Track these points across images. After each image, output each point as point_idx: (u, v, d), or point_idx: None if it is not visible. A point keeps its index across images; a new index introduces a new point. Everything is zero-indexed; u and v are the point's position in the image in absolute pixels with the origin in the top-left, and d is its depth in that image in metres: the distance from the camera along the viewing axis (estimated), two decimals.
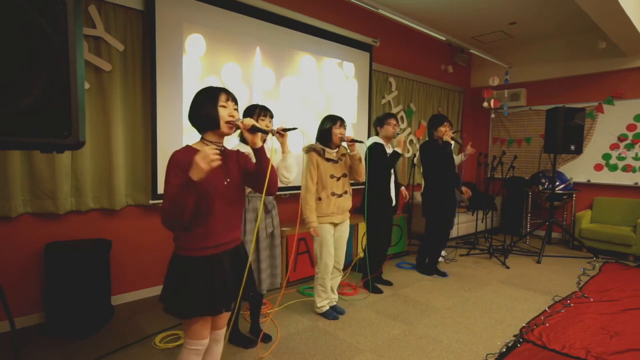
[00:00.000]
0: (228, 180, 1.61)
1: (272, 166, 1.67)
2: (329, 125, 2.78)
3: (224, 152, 1.64)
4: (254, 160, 1.68)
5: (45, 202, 2.72)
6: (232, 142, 2.32)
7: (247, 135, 1.58)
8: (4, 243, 2.62)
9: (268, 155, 1.66)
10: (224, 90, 1.59)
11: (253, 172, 1.66)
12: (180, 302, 1.53)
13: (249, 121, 1.57)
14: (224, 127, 1.57)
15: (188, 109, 1.64)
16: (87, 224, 2.96)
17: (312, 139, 3.05)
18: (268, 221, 2.38)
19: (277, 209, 2.52)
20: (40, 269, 2.74)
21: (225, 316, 1.75)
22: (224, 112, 1.57)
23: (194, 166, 1.37)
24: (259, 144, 1.60)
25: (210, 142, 1.60)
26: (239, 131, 2.40)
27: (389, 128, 3.32)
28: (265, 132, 1.59)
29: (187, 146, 1.59)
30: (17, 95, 1.00)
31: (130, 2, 2.95)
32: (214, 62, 3.38)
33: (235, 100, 1.63)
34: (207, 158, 1.36)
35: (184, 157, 1.50)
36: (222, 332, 1.77)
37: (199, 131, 1.63)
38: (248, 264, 1.67)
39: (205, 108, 1.56)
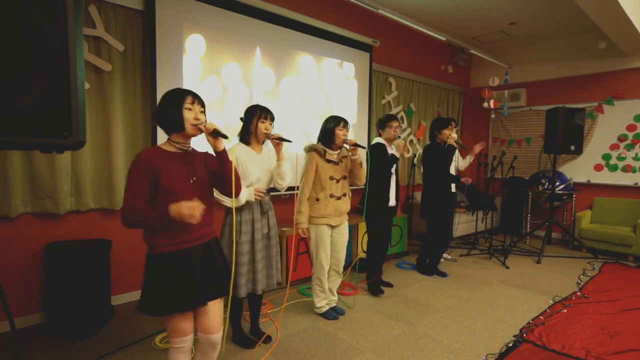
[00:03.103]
0: (194, 178, 1.63)
1: (235, 170, 1.70)
2: (332, 125, 2.76)
3: (190, 153, 1.67)
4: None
5: (45, 202, 2.72)
6: (233, 141, 2.31)
7: (209, 139, 1.60)
8: (4, 243, 2.62)
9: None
10: (190, 93, 1.61)
11: (217, 173, 1.70)
12: (153, 299, 1.54)
13: (211, 125, 1.59)
14: (189, 130, 1.59)
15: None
16: (87, 224, 2.96)
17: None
18: (264, 222, 2.36)
19: (274, 210, 2.51)
20: (40, 269, 2.74)
21: (216, 318, 1.71)
22: (189, 114, 1.58)
23: (177, 210, 1.46)
24: (221, 147, 1.62)
25: (177, 142, 1.62)
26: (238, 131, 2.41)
27: (391, 131, 3.32)
28: (226, 137, 1.59)
29: (156, 146, 1.62)
30: (17, 95, 1.00)
31: (130, 2, 2.95)
32: (214, 62, 3.38)
33: (202, 103, 1.64)
34: (190, 216, 1.46)
35: (152, 158, 1.53)
36: (216, 337, 1.71)
37: (166, 132, 1.64)
38: (234, 263, 1.68)
39: (171, 110, 1.58)
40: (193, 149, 1.70)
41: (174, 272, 1.56)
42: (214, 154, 1.67)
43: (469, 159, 4.12)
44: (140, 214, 1.48)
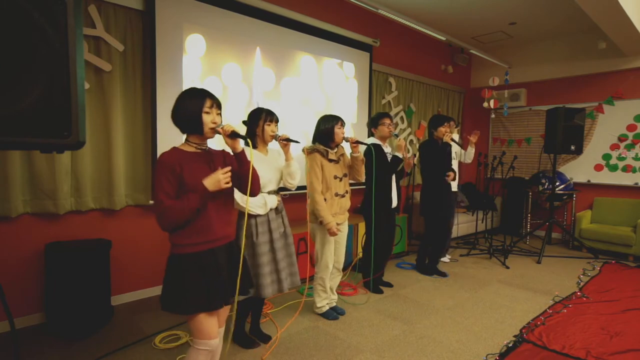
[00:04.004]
0: None
1: (254, 168, 1.72)
2: (331, 125, 2.77)
3: (209, 152, 1.68)
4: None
5: (45, 202, 2.72)
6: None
7: (227, 141, 1.62)
8: (4, 243, 2.62)
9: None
10: (209, 96, 1.61)
11: (236, 173, 1.71)
12: (178, 298, 1.55)
13: (229, 127, 1.61)
14: (207, 133, 1.61)
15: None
16: (87, 224, 2.96)
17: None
18: (279, 221, 2.40)
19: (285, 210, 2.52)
20: (40, 269, 2.73)
21: (223, 314, 1.77)
22: (208, 118, 1.59)
23: (215, 182, 1.54)
24: (239, 148, 1.65)
25: (195, 143, 1.64)
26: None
27: (384, 128, 3.30)
28: (244, 138, 1.62)
29: (174, 148, 1.62)
30: (17, 95, 0.99)
31: (130, 2, 2.95)
32: (214, 62, 3.38)
33: (219, 106, 1.65)
34: (220, 182, 1.54)
35: (173, 160, 1.54)
36: (220, 331, 1.77)
37: (183, 132, 1.66)
38: (241, 260, 1.69)
39: (190, 112, 1.58)
40: (210, 148, 1.72)
41: (199, 273, 1.57)
42: (232, 154, 1.70)
43: (470, 150, 4.13)
44: (175, 209, 1.50)
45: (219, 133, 1.62)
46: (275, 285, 2.33)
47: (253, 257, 2.27)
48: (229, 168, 1.56)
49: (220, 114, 1.65)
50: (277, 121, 2.36)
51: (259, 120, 2.31)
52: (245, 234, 2.24)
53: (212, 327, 1.62)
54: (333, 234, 2.73)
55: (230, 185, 1.56)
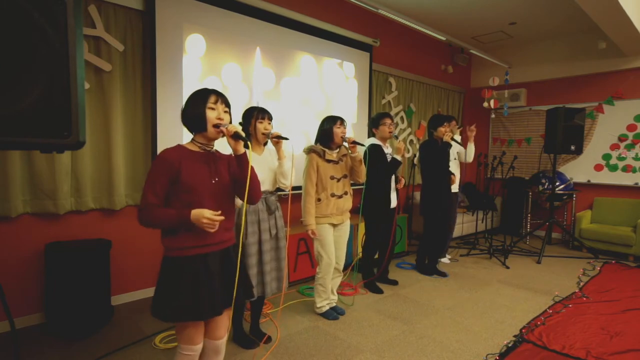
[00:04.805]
0: (216, 179, 1.61)
1: (256, 175, 1.67)
2: (330, 125, 2.78)
3: (213, 154, 1.65)
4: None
5: (45, 203, 2.72)
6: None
7: (230, 142, 1.58)
8: (4, 243, 2.62)
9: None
10: (214, 92, 1.59)
11: (235, 178, 1.67)
12: (166, 304, 1.51)
13: (233, 128, 1.56)
14: (211, 132, 1.58)
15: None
16: (87, 224, 2.96)
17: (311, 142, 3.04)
18: (272, 222, 2.36)
19: (281, 210, 2.50)
20: (40, 269, 2.73)
21: (223, 325, 1.71)
22: (212, 114, 1.56)
23: (198, 217, 1.47)
24: (241, 151, 1.59)
25: (200, 143, 1.61)
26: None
27: (385, 128, 3.30)
28: (245, 140, 1.57)
29: (179, 145, 1.60)
30: (17, 95, 0.99)
31: (130, 2, 2.95)
32: (214, 63, 3.38)
33: (226, 103, 1.62)
34: (209, 224, 1.48)
35: (173, 157, 1.52)
36: (221, 343, 1.72)
37: (190, 131, 1.64)
38: (238, 267, 1.64)
39: (194, 109, 1.56)
40: (217, 151, 1.69)
41: (189, 279, 1.52)
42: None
43: (470, 147, 4.13)
44: (154, 213, 1.48)
45: (223, 133, 1.58)
46: (260, 288, 2.29)
47: (241, 257, 2.24)
48: (221, 218, 1.50)
49: (228, 112, 1.63)
50: (270, 118, 2.32)
51: (251, 119, 2.29)
52: (236, 235, 2.24)
53: (198, 334, 1.60)
54: (312, 235, 2.76)
55: (213, 230, 1.50)
